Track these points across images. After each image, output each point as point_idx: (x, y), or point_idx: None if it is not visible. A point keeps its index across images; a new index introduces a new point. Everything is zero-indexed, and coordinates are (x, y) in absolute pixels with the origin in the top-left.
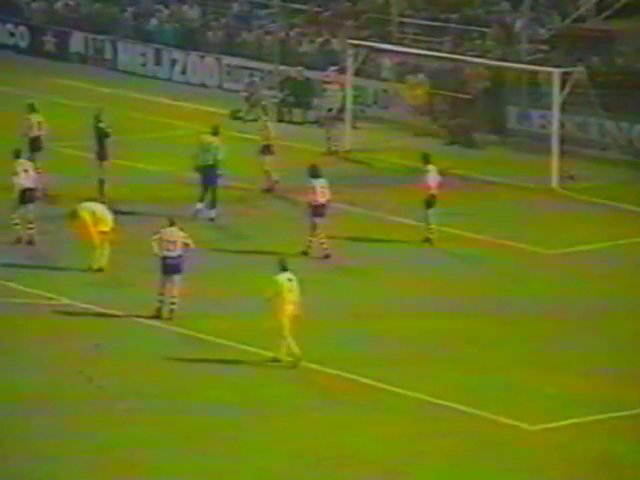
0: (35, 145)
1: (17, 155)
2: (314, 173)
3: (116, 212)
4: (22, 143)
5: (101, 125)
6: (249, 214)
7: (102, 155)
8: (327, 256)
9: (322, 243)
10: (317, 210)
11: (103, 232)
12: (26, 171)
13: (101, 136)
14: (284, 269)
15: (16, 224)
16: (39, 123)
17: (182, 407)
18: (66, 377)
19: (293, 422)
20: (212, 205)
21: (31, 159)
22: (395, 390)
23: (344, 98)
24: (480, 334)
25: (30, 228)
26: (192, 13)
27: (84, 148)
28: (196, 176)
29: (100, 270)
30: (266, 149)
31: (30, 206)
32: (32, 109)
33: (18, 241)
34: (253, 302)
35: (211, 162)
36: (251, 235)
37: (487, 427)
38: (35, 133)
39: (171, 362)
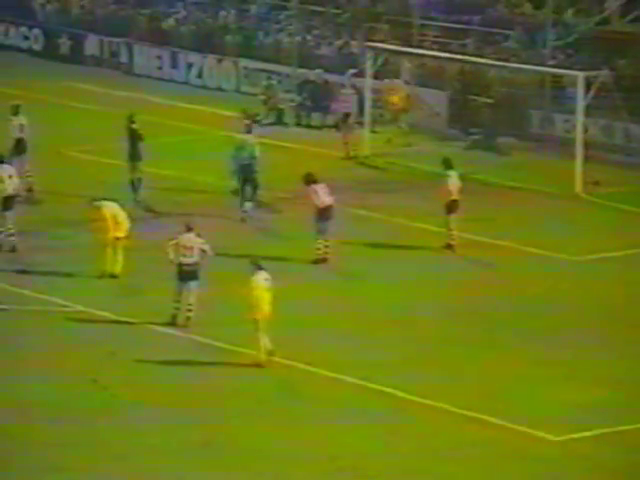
0: (19, 148)
1: (0, 161)
2: (309, 179)
3: (149, 211)
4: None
5: (134, 126)
6: (266, 219)
7: (136, 156)
8: (319, 261)
9: (325, 247)
10: (323, 213)
11: (117, 238)
12: (10, 177)
13: (135, 137)
14: (260, 269)
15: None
16: (21, 126)
17: (199, 416)
18: (80, 385)
19: (311, 430)
20: (252, 199)
21: (18, 162)
22: (416, 399)
23: (359, 102)
24: (502, 342)
25: (11, 235)
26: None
27: (99, 152)
28: (233, 177)
29: (115, 277)
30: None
31: (9, 213)
32: (16, 111)
33: None
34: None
35: (247, 161)
36: (270, 240)
37: (511, 437)
38: (17, 135)
39: (187, 371)
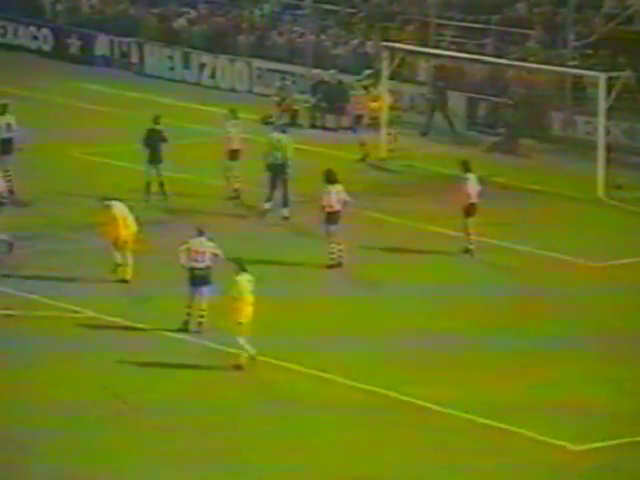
0: (5, 148)
1: None
2: (330, 178)
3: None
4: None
5: (159, 127)
6: (280, 223)
7: (158, 158)
8: (335, 266)
9: (339, 251)
10: (331, 217)
11: (126, 242)
12: None
13: (158, 139)
14: (243, 270)
15: None
16: (9, 125)
17: (213, 423)
18: (91, 393)
19: (329, 440)
20: (285, 203)
21: (1, 163)
22: (434, 407)
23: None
24: (520, 350)
25: None
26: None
27: (109, 155)
28: (266, 175)
29: (125, 281)
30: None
31: None
32: (3, 110)
33: None
34: (284, 315)
35: (280, 160)
36: (284, 245)
37: (530, 446)
38: (4, 135)
39: (200, 378)
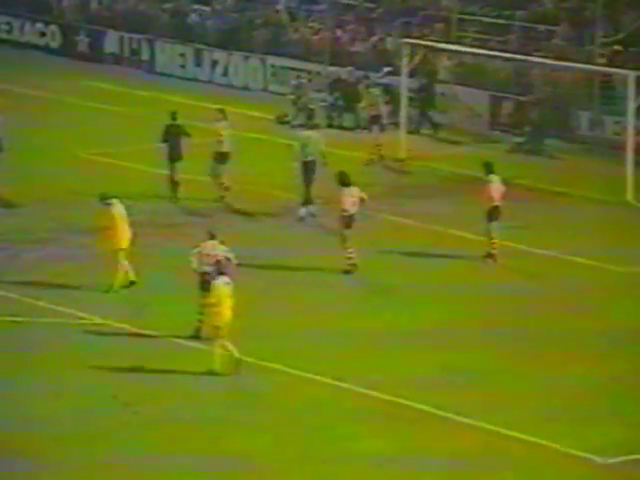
0: None
1: None
2: (343, 181)
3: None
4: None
5: (178, 122)
6: (295, 227)
7: (177, 155)
8: (352, 270)
9: (350, 256)
10: (346, 221)
11: (122, 249)
12: None
13: (178, 135)
14: (220, 273)
15: None
16: None
17: (226, 435)
18: (100, 402)
19: (345, 450)
20: (305, 203)
21: None
22: (458, 419)
23: (388, 103)
24: (545, 359)
25: None
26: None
27: (118, 156)
28: (299, 173)
29: (126, 287)
30: None
31: None
32: None
33: None
34: (300, 322)
35: (311, 157)
36: (298, 248)
37: (557, 459)
38: None
39: (213, 386)
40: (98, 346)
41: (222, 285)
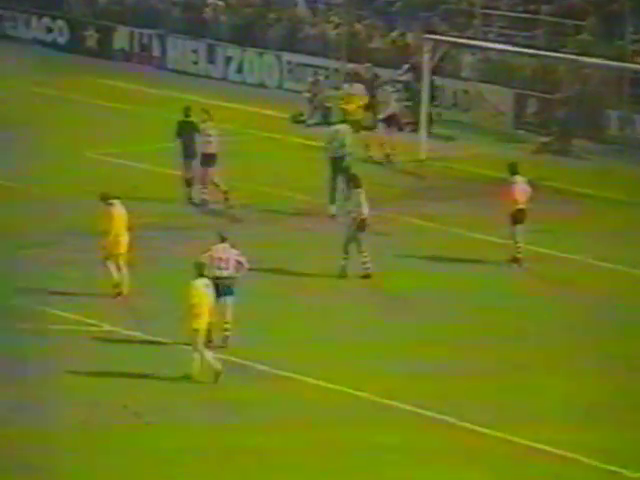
0: None
1: None
2: (355, 183)
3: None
4: None
5: (191, 119)
6: (311, 229)
7: (191, 153)
8: (368, 275)
9: (365, 261)
10: (361, 224)
11: (120, 253)
12: None
13: (192, 131)
14: (201, 275)
15: None
16: None
17: (238, 445)
18: (110, 412)
19: (359, 461)
20: (332, 200)
21: None
22: (478, 429)
23: (403, 101)
24: (572, 367)
25: None
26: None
27: (127, 156)
28: (328, 170)
29: (120, 295)
30: None
31: None
32: None
33: None
34: (315, 328)
35: (339, 152)
36: (315, 252)
37: (584, 473)
38: None
39: (225, 395)
40: (108, 353)
41: (201, 287)
